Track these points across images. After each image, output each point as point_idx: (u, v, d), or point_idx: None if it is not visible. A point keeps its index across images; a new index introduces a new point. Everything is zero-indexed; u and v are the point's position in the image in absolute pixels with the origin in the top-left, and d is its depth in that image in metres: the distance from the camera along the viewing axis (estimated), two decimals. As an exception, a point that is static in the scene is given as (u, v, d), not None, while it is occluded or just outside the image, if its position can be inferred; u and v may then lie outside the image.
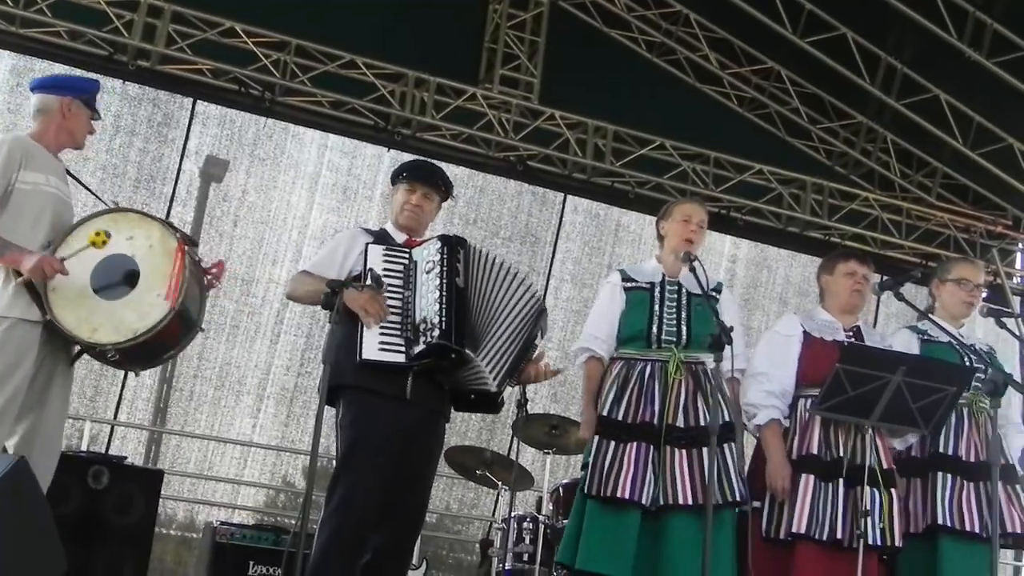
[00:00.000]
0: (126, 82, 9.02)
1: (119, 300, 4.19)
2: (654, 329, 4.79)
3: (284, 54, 9.26)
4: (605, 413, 4.70)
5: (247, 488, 9.53)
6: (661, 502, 4.53)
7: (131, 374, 8.67)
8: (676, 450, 4.61)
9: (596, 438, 4.67)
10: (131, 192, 8.95)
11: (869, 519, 4.57)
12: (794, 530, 4.61)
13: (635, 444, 4.60)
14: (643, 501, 4.51)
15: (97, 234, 4.06)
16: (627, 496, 4.50)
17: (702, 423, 4.62)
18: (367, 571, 4.45)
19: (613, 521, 4.55)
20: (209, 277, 4.42)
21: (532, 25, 10.22)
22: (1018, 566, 10.64)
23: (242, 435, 9.33)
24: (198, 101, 9.25)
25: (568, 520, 4.86)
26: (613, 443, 4.63)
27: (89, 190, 4.75)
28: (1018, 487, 4.96)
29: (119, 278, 4.23)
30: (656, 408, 4.65)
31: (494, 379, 4.53)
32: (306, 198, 9.63)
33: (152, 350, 4.36)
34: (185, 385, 9.21)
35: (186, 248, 4.33)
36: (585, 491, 4.62)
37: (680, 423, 4.65)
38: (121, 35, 8.84)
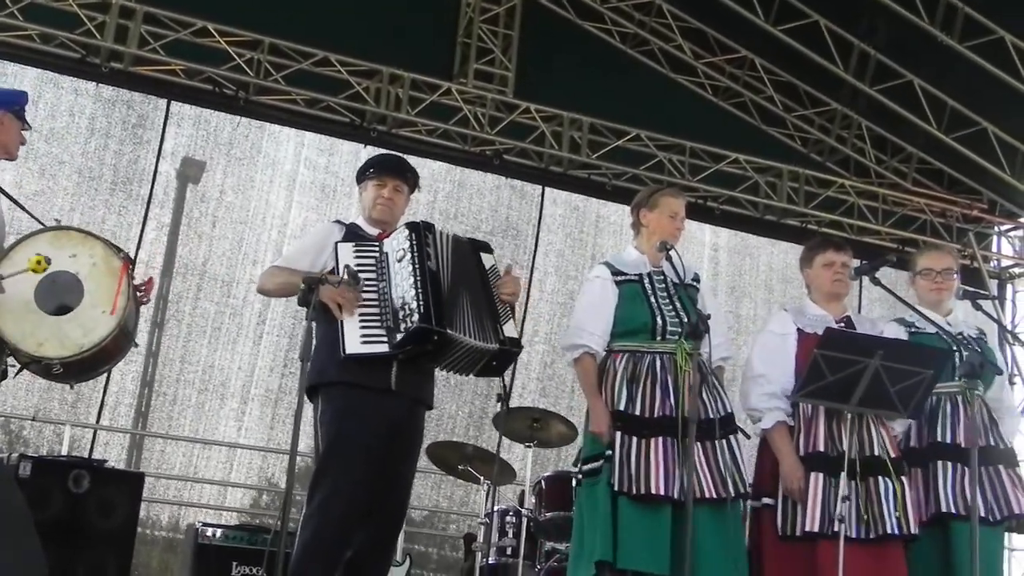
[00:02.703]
0: (99, 84, 8.98)
1: (63, 316, 4.25)
2: (659, 321, 4.76)
3: (257, 53, 9.23)
4: (621, 408, 4.66)
5: (233, 490, 9.49)
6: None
7: (113, 379, 8.80)
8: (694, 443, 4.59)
9: (618, 434, 4.62)
10: (108, 195, 8.91)
11: (885, 508, 4.62)
12: (808, 529, 4.65)
13: (660, 439, 4.59)
14: (674, 495, 4.52)
15: (39, 263, 4.08)
16: (662, 492, 4.50)
17: (711, 415, 4.67)
18: (349, 568, 4.45)
19: (651, 517, 4.54)
20: (140, 294, 4.48)
21: (505, 19, 10.21)
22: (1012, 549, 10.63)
23: (227, 438, 9.25)
24: (172, 102, 9.20)
25: (585, 516, 4.77)
26: (635, 438, 4.60)
27: (24, 208, 4.70)
28: (1019, 470, 4.99)
29: (62, 295, 4.28)
30: (673, 401, 4.65)
31: (487, 342, 4.56)
32: (284, 197, 9.59)
33: (93, 364, 4.41)
34: (168, 389, 9.12)
35: (129, 268, 4.39)
36: (616, 488, 4.56)
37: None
38: (93, 37, 8.80)
